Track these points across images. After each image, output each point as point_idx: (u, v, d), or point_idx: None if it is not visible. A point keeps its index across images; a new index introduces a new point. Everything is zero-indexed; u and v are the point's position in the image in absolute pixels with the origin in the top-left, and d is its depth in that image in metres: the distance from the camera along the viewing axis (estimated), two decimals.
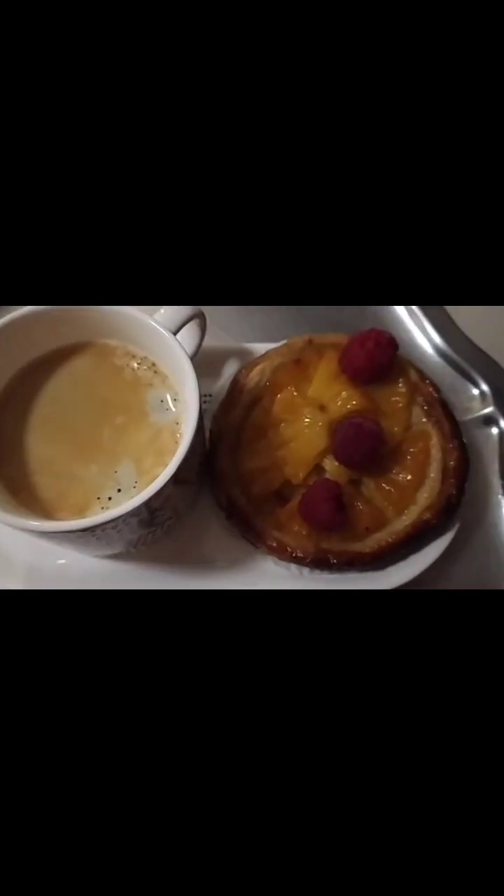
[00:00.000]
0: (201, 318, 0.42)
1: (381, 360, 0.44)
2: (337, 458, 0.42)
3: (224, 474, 0.43)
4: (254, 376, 0.46)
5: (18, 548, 0.43)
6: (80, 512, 0.37)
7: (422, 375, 0.46)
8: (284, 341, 0.48)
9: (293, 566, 0.43)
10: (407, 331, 0.55)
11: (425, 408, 0.45)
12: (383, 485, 0.43)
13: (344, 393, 0.44)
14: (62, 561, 0.44)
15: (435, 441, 0.44)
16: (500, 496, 0.48)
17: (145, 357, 0.41)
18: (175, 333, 0.39)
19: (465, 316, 0.55)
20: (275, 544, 0.41)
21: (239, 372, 0.47)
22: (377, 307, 0.56)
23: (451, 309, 0.55)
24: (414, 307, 0.55)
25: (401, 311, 0.55)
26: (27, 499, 0.37)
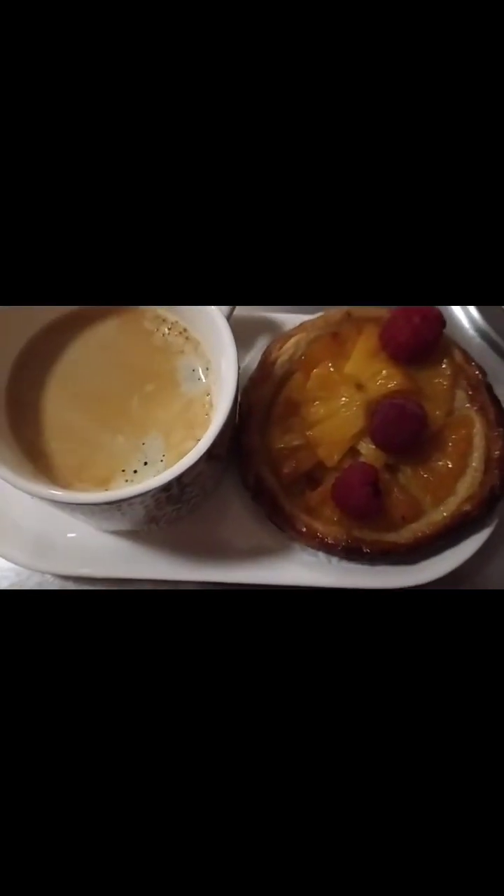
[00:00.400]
0: None
1: (427, 337, 0.41)
2: (374, 441, 0.40)
3: (253, 452, 0.41)
4: (287, 349, 0.43)
5: (28, 516, 0.41)
6: (103, 483, 0.35)
7: (467, 357, 0.43)
8: (321, 313, 0.45)
9: (321, 553, 0.41)
10: (448, 309, 0.52)
11: (470, 392, 0.42)
12: (422, 472, 0.40)
13: (384, 371, 0.41)
14: (72, 534, 0.41)
15: (478, 428, 0.41)
16: None
17: (176, 322, 0.38)
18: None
19: None
20: (304, 529, 0.39)
21: (271, 344, 0.44)
22: None
23: None
24: None
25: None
26: (46, 465, 0.35)
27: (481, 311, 0.51)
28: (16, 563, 0.40)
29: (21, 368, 0.36)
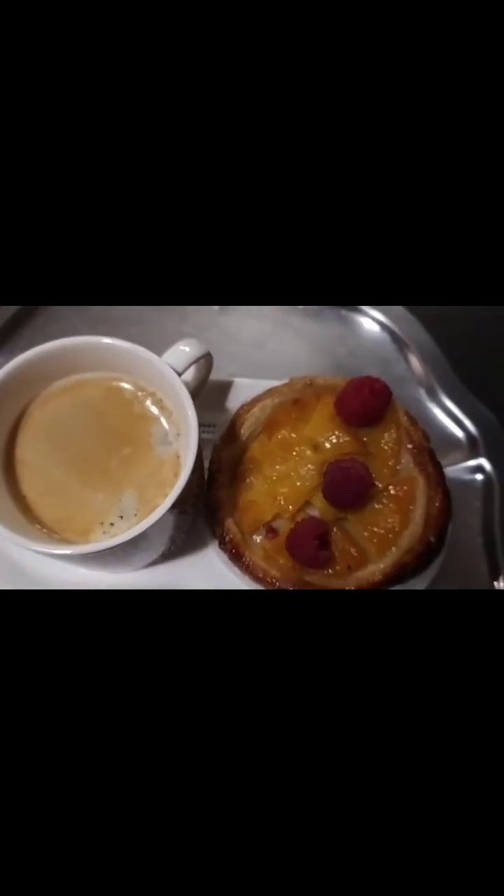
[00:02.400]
0: (208, 358, 0.45)
1: (374, 406, 0.46)
2: (326, 498, 0.45)
3: (221, 504, 0.46)
4: (254, 413, 0.49)
5: (27, 558, 0.47)
6: (84, 535, 0.40)
7: (413, 422, 0.49)
8: (286, 380, 0.51)
9: None
10: (401, 373, 0.57)
11: (414, 453, 0.47)
12: (368, 526, 0.45)
13: (337, 434, 0.47)
14: (66, 574, 0.47)
15: (421, 487, 0.46)
16: (480, 546, 0.50)
17: (154, 392, 0.44)
18: (182, 373, 0.42)
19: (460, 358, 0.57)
20: (261, 575, 0.44)
21: (241, 407, 0.50)
22: (386, 349, 0.58)
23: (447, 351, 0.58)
24: (413, 351, 0.57)
25: (393, 352, 0.58)
26: (36, 518, 0.40)
27: (436, 377, 0.57)
28: None
29: (18, 431, 0.42)
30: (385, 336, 0.60)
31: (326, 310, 0.62)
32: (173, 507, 0.37)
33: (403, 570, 0.44)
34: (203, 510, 0.47)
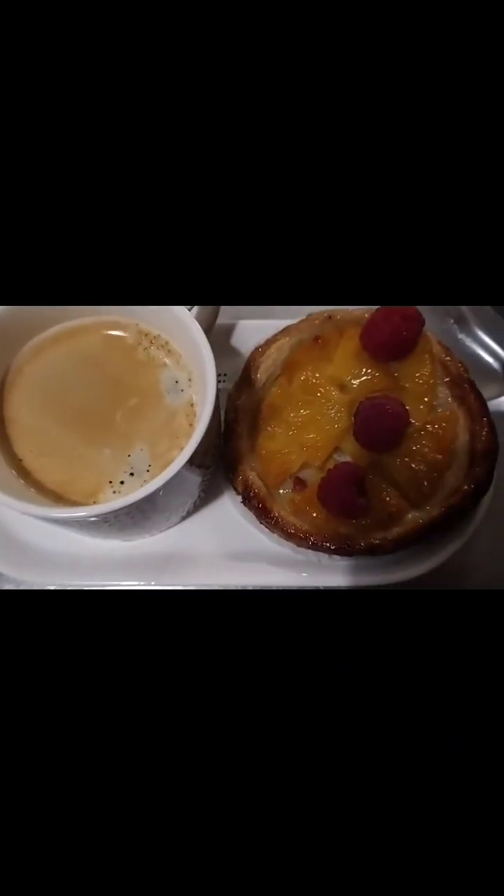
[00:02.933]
0: None
1: (406, 336, 0.41)
2: (358, 440, 0.40)
3: (240, 457, 0.42)
4: (271, 354, 0.44)
5: (31, 532, 0.42)
6: (92, 496, 0.36)
7: (448, 352, 0.44)
8: (302, 317, 0.45)
9: (311, 553, 0.41)
10: (433, 311, 0.52)
11: (452, 387, 0.43)
12: (407, 468, 0.41)
13: (365, 371, 0.42)
14: (75, 546, 0.43)
15: (462, 422, 0.42)
16: None
17: (158, 336, 0.39)
18: (189, 310, 0.37)
19: None
20: (292, 531, 0.40)
21: (255, 350, 0.45)
22: None
23: None
24: None
25: None
26: (36, 482, 0.36)
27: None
28: (16, 578, 0.41)
29: (8, 388, 0.37)
30: None
31: None
32: (191, 459, 0.33)
33: (450, 514, 0.40)
34: (221, 465, 0.43)
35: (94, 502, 0.35)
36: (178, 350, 0.38)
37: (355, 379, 0.42)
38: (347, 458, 0.41)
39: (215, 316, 0.44)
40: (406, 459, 0.41)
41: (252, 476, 0.41)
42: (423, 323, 0.42)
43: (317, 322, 0.45)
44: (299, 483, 0.42)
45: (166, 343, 0.39)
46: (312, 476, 0.41)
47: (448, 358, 0.43)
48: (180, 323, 0.36)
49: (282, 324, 0.46)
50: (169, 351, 0.39)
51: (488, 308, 0.51)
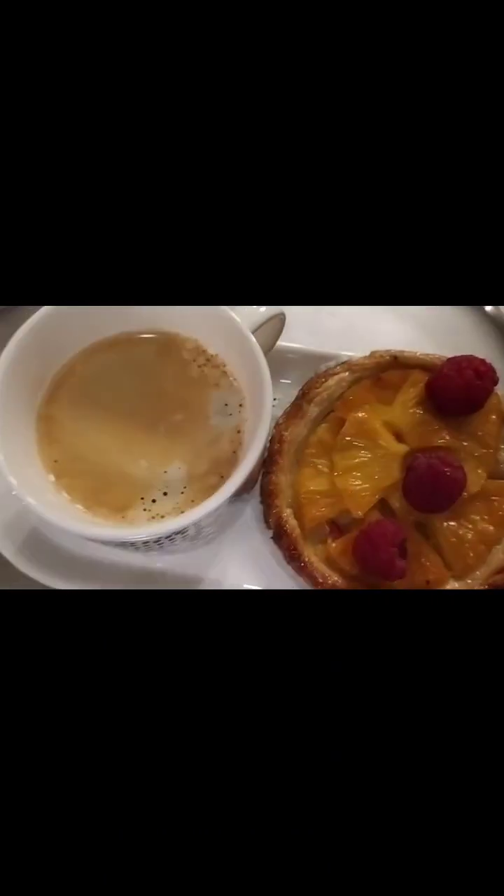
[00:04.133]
0: (280, 319, 0.38)
1: (478, 393, 0.38)
2: (406, 498, 0.38)
3: (278, 491, 0.40)
4: (328, 386, 0.42)
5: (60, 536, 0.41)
6: (121, 510, 0.34)
7: None
8: (366, 352, 0.43)
9: None
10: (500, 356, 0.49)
11: None
12: (454, 537, 0.38)
13: (426, 423, 0.39)
14: (98, 553, 0.41)
15: None
16: None
17: (216, 355, 0.37)
18: (254, 332, 0.35)
19: None
20: (320, 580, 0.38)
21: (312, 379, 0.42)
22: (476, 330, 0.50)
23: None
24: None
25: (490, 330, 0.49)
26: (68, 484, 0.35)
27: None
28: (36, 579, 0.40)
29: (58, 387, 0.36)
30: (481, 313, 0.51)
31: None
32: (232, 495, 0.31)
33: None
34: (257, 492, 0.41)
35: (123, 517, 0.34)
36: (233, 373, 0.37)
37: (414, 430, 0.39)
38: (392, 514, 0.38)
39: (276, 337, 0.42)
40: (454, 526, 0.38)
41: (287, 514, 0.39)
42: (496, 381, 0.39)
43: (381, 360, 0.42)
44: (336, 530, 0.39)
45: (223, 364, 0.37)
46: (351, 525, 0.39)
47: None
48: (241, 343, 0.34)
49: (343, 355, 0.44)
50: (224, 372, 0.37)
51: None
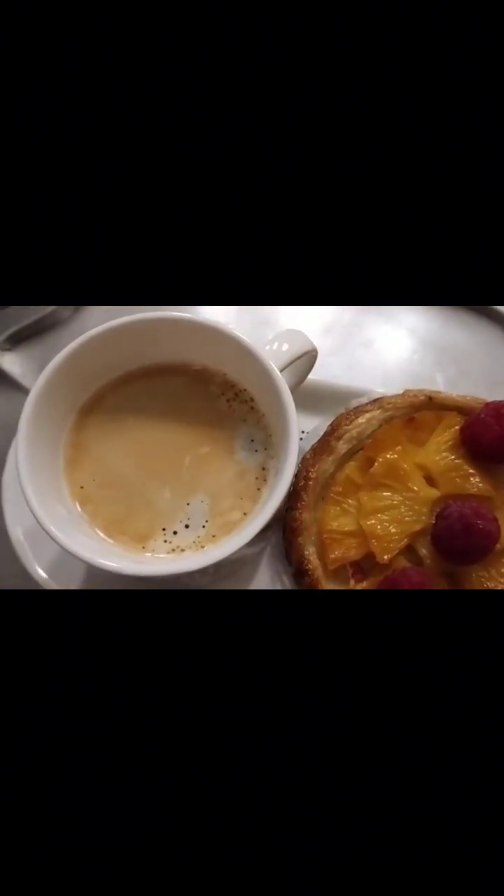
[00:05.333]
0: (312, 355, 0.37)
1: None
2: (435, 545, 0.36)
3: (302, 529, 0.39)
4: (359, 424, 0.41)
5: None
6: (142, 540, 0.34)
7: None
8: (400, 391, 0.42)
9: None
10: None
11: None
12: (483, 588, 0.36)
13: (460, 469, 0.37)
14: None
15: None
16: None
17: (245, 390, 0.37)
18: (282, 370, 0.34)
19: None
20: None
21: (342, 415, 0.42)
22: None
23: None
24: None
25: None
26: (92, 512, 0.35)
27: None
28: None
29: (86, 415, 0.37)
30: None
31: (449, 310, 0.52)
32: (262, 531, 0.30)
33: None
34: (279, 527, 0.40)
35: (143, 547, 0.34)
36: (261, 409, 0.36)
37: (446, 475, 0.38)
38: (419, 561, 0.37)
39: (307, 372, 0.42)
40: (483, 578, 0.36)
41: (310, 552, 0.38)
42: None
43: (415, 401, 0.41)
44: (359, 572, 0.38)
45: (251, 399, 0.37)
46: (374, 570, 0.37)
47: None
48: (269, 381, 0.34)
49: (375, 392, 0.43)
50: (252, 408, 0.37)
51: None
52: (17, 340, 0.50)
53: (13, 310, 0.51)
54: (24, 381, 0.48)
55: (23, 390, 0.47)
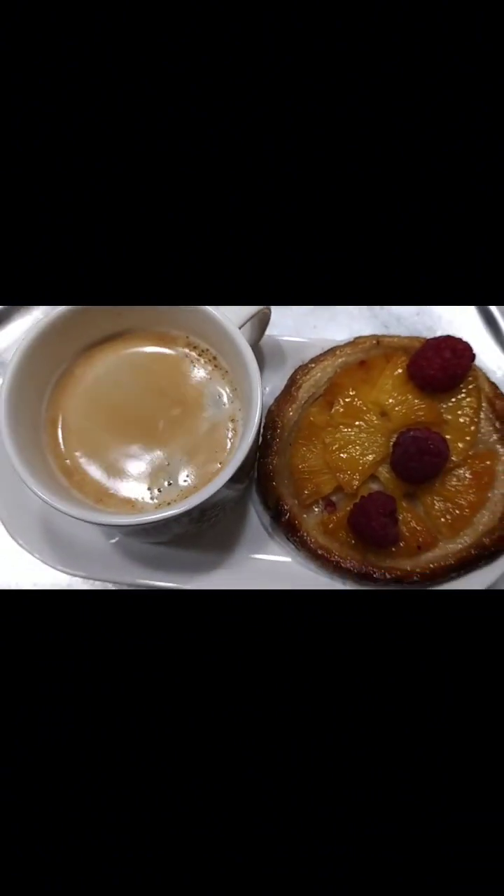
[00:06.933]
0: (266, 313, 0.40)
1: (456, 371, 0.41)
2: (394, 471, 0.40)
3: (275, 474, 0.42)
4: (315, 373, 0.44)
5: (75, 528, 0.43)
6: (130, 501, 0.37)
7: (496, 390, 0.43)
8: (350, 339, 0.45)
9: (335, 576, 0.42)
10: (481, 339, 0.51)
11: (497, 425, 0.42)
12: (441, 503, 0.40)
13: (409, 401, 0.42)
14: (114, 540, 0.44)
15: (502, 462, 0.41)
16: None
17: (207, 349, 0.39)
18: (240, 327, 0.37)
19: None
20: (320, 551, 0.40)
21: (300, 367, 0.45)
22: (452, 310, 0.52)
23: None
24: (494, 310, 0.51)
25: (476, 317, 0.51)
26: (80, 482, 0.37)
27: None
28: (52, 566, 0.43)
29: (59, 389, 0.38)
30: None
31: None
32: (231, 478, 0.33)
33: (480, 553, 0.39)
34: (254, 477, 0.44)
35: (133, 507, 0.37)
36: (224, 365, 0.39)
37: (398, 407, 0.42)
38: (381, 486, 0.41)
39: (263, 329, 0.44)
40: (441, 494, 0.41)
41: (285, 493, 0.42)
42: (473, 358, 0.41)
43: (364, 346, 0.44)
44: (330, 505, 0.42)
45: (214, 357, 0.39)
46: (344, 500, 0.41)
47: (496, 396, 0.42)
48: (229, 339, 0.36)
49: (327, 344, 0.46)
50: (216, 366, 0.39)
51: None
52: None
53: None
54: None
55: None
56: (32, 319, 0.54)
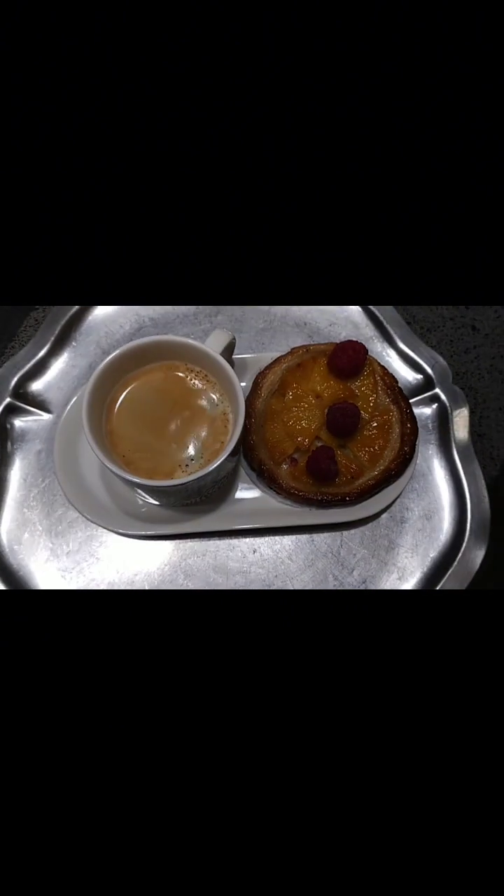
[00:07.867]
0: (233, 341, 0.62)
1: (357, 362, 0.64)
2: (330, 431, 0.63)
3: (255, 446, 0.64)
4: (270, 376, 0.66)
5: (116, 498, 0.63)
6: (169, 475, 0.57)
7: (385, 370, 0.67)
8: (289, 350, 0.68)
9: (304, 506, 0.64)
10: (374, 336, 0.75)
11: (388, 392, 0.66)
12: (361, 447, 0.64)
13: (332, 386, 0.65)
14: (144, 509, 0.64)
15: (395, 415, 0.65)
16: (437, 451, 0.70)
17: (200, 370, 0.60)
18: (220, 353, 0.59)
19: (418, 325, 0.75)
20: (292, 491, 0.63)
21: (259, 375, 0.67)
22: (349, 317, 0.76)
23: (407, 315, 0.75)
24: (375, 311, 0.75)
25: (363, 319, 0.76)
26: (135, 470, 0.57)
27: (400, 338, 0.75)
28: (105, 527, 0.62)
29: (109, 408, 0.58)
30: (356, 308, 0.77)
31: None
32: (231, 451, 0.55)
33: (388, 475, 0.63)
34: (241, 452, 0.65)
35: (171, 477, 0.57)
36: (214, 380, 0.60)
37: (326, 391, 0.64)
38: (323, 443, 0.64)
39: (231, 351, 0.66)
40: (361, 441, 0.64)
41: (264, 457, 0.64)
42: (366, 352, 0.65)
43: (299, 353, 0.67)
44: (293, 461, 0.64)
45: (206, 375, 0.60)
46: (301, 456, 0.64)
47: (384, 374, 0.66)
48: (214, 361, 0.57)
49: (275, 355, 0.68)
50: (208, 380, 0.60)
51: (413, 335, 0.74)
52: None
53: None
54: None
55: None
56: (63, 363, 0.72)
